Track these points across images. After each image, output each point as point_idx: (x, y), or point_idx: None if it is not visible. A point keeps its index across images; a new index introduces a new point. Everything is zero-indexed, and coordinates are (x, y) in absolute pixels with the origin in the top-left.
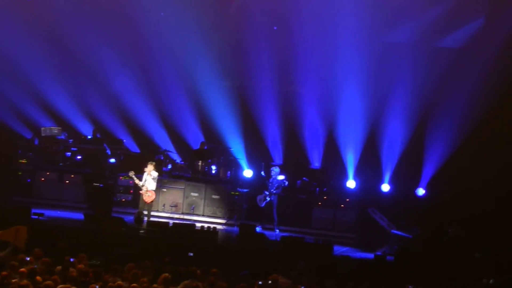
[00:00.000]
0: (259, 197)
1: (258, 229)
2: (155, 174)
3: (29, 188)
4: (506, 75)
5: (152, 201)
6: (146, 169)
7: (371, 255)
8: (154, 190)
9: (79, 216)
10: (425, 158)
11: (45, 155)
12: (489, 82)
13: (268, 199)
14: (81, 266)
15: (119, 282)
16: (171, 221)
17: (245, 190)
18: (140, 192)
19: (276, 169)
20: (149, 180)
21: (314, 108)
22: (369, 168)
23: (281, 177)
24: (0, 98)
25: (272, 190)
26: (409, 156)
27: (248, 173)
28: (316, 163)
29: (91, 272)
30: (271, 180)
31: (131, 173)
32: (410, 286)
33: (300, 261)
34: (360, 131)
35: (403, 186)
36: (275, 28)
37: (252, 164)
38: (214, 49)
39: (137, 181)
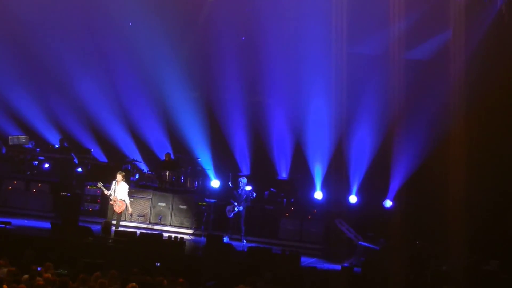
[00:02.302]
0: (228, 208)
1: (225, 239)
2: (125, 185)
3: None
4: (474, 87)
5: (122, 211)
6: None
7: (338, 267)
8: (124, 200)
9: (46, 225)
10: (393, 170)
11: (12, 164)
12: (457, 94)
13: (236, 210)
14: (48, 275)
15: None
16: (138, 231)
17: (213, 200)
18: (111, 202)
19: (243, 180)
20: (118, 189)
21: (281, 119)
22: (337, 180)
23: (248, 188)
24: None
25: (241, 201)
26: (376, 168)
27: (215, 183)
28: (284, 174)
29: (58, 281)
30: (239, 191)
31: (99, 184)
32: None
33: (267, 272)
34: (328, 142)
35: (370, 197)
36: (243, 38)
37: (219, 174)
38: (181, 59)
39: (105, 191)
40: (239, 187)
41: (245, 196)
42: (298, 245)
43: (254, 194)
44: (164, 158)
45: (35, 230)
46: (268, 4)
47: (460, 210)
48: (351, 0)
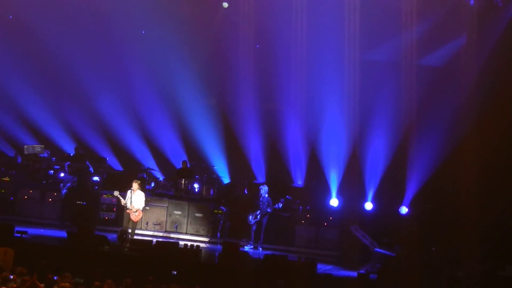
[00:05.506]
0: (251, 216)
1: (247, 248)
2: (141, 193)
3: (12, 206)
4: (488, 93)
5: (138, 220)
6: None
7: (354, 273)
8: (141, 209)
9: (62, 234)
10: (408, 176)
11: (28, 173)
12: (471, 100)
13: (259, 218)
14: (65, 284)
15: None
16: (154, 239)
17: (228, 208)
18: (127, 211)
19: (265, 188)
20: (134, 198)
21: (297, 126)
22: (352, 186)
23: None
24: None
25: (264, 209)
26: (392, 174)
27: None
28: (299, 181)
29: None
30: (261, 199)
31: (116, 192)
32: None
33: (279, 280)
34: (343, 149)
35: (386, 204)
36: (257, 46)
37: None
38: (196, 67)
39: (122, 200)
40: (261, 195)
41: (266, 203)
42: (314, 252)
43: (280, 205)
44: (181, 166)
45: (51, 239)
46: (282, 12)
47: (475, 216)
48: (365, 7)
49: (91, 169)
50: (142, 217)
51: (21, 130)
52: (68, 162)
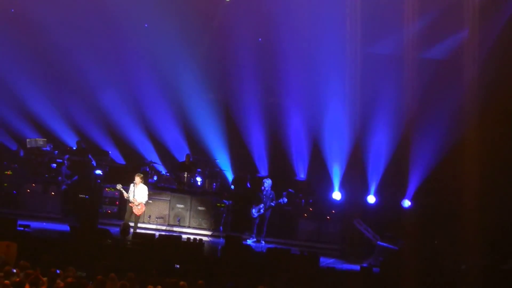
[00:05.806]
0: (254, 209)
1: (250, 241)
2: (144, 187)
3: (14, 200)
4: (490, 86)
5: (141, 214)
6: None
7: (357, 267)
8: (143, 203)
9: (65, 227)
10: (411, 170)
11: (30, 167)
12: (473, 93)
13: (262, 211)
14: (70, 280)
15: None
16: (157, 233)
17: (231, 201)
18: (130, 204)
19: (268, 181)
20: (137, 192)
21: (299, 119)
22: (355, 180)
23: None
24: None
25: (267, 202)
26: (394, 168)
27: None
28: (302, 175)
29: (75, 283)
30: (264, 192)
31: (119, 186)
32: None
33: (283, 274)
34: (346, 143)
35: (389, 197)
36: (259, 39)
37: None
38: (198, 60)
39: (125, 193)
40: (265, 188)
41: (270, 196)
42: (317, 246)
43: (285, 200)
44: (184, 160)
45: (54, 233)
46: (284, 5)
47: (478, 209)
48: (367, 1)
49: (94, 162)
50: (144, 211)
51: (24, 124)
52: (67, 156)
